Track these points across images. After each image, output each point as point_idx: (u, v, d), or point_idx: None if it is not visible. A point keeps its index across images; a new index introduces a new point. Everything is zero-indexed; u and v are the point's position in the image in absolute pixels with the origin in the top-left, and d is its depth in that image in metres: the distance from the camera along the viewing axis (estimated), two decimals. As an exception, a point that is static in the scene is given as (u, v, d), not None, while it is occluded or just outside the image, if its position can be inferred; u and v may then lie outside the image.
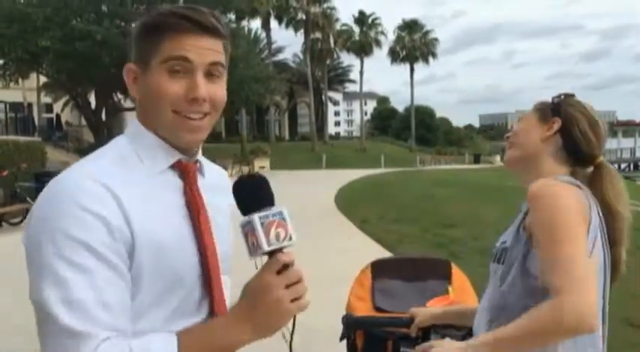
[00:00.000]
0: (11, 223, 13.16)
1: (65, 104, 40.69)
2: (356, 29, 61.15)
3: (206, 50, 1.16)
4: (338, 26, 59.12)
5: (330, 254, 9.27)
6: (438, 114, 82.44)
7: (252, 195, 1.10)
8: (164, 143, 1.20)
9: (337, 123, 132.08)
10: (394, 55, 65.24)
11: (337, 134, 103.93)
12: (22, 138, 24.11)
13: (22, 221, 13.09)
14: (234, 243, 1.33)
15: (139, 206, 1.12)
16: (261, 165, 37.35)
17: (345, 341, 2.25)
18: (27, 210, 12.47)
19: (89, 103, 31.65)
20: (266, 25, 53.56)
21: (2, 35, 24.79)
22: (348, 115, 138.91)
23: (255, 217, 1.05)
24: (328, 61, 62.24)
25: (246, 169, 32.96)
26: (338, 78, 76.56)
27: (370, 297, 2.28)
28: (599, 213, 1.63)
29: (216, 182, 1.32)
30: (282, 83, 44.10)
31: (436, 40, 66.50)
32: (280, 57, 65.00)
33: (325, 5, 56.17)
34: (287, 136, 66.84)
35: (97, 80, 27.20)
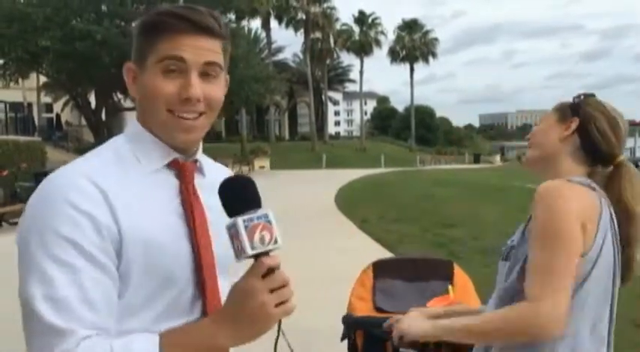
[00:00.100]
0: (11, 223, 13.18)
1: (65, 104, 40.71)
2: (356, 29, 61.22)
3: (202, 50, 1.16)
4: (338, 26, 59.18)
5: (330, 253, 9.28)
6: (438, 114, 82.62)
7: (238, 197, 1.08)
8: (161, 142, 1.20)
9: (337, 123, 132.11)
10: (394, 55, 65.28)
11: (337, 134, 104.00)
12: (22, 138, 24.14)
13: (22, 221, 13.09)
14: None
15: (130, 204, 1.12)
16: (261, 165, 37.37)
17: (345, 342, 2.24)
18: (27, 210, 12.46)
19: (89, 103, 31.68)
20: (266, 25, 53.58)
21: (2, 35, 24.82)
22: (348, 115, 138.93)
23: (239, 220, 1.03)
24: (328, 61, 62.27)
25: (246, 169, 32.97)
26: (338, 78, 76.58)
27: (371, 297, 2.27)
28: (611, 214, 1.63)
29: (219, 181, 1.32)
30: (282, 83, 44.11)
31: (436, 39, 66.58)
32: (280, 57, 65.13)
33: (325, 5, 56.20)
34: (287, 136, 66.88)
35: (97, 80, 27.24)
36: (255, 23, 53.57)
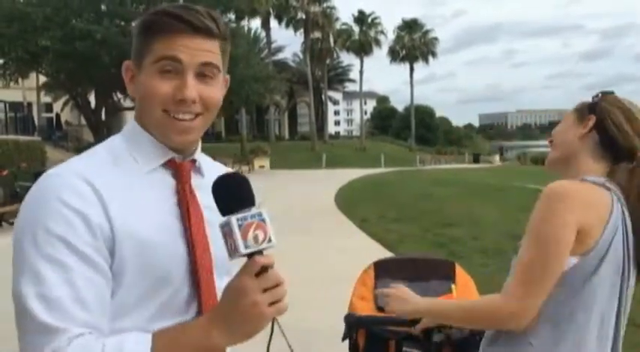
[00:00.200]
0: (11, 223, 13.16)
1: (65, 104, 40.68)
2: (356, 29, 61.21)
3: (198, 51, 1.15)
4: (338, 26, 59.18)
5: (330, 253, 9.28)
6: (438, 113, 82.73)
7: (232, 195, 1.07)
8: (158, 142, 1.20)
9: (337, 123, 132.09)
10: (394, 55, 65.31)
11: (337, 133, 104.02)
12: (21, 138, 24.15)
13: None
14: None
15: (125, 204, 1.12)
16: (261, 165, 37.39)
17: (346, 342, 2.24)
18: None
19: (89, 103, 31.66)
20: (266, 25, 53.55)
21: (2, 35, 24.81)
22: (347, 115, 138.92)
23: (233, 219, 1.02)
24: (328, 61, 62.27)
25: (245, 169, 32.98)
26: (338, 77, 76.57)
27: (372, 297, 2.27)
28: (624, 213, 1.63)
29: None
30: (281, 83, 44.13)
31: (436, 39, 66.59)
32: (280, 56, 65.05)
33: (325, 5, 56.19)
34: (287, 136, 66.87)
35: (96, 80, 27.22)
36: (255, 23, 53.59)
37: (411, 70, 65.18)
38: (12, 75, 28.95)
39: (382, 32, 61.60)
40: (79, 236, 1.06)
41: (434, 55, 66.06)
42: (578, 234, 1.56)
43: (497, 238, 9.41)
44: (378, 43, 61.15)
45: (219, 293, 1.13)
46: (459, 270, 2.35)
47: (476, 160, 54.77)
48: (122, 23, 26.69)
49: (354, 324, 2.19)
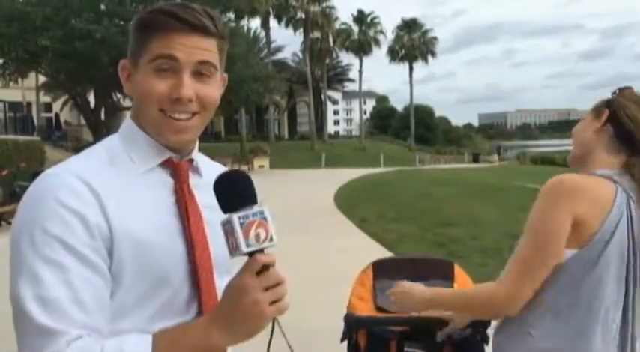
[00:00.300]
0: (10, 223, 13.16)
1: (64, 103, 40.64)
2: (355, 28, 61.23)
3: (194, 49, 1.14)
4: (337, 25, 59.21)
5: (330, 253, 9.27)
6: (438, 113, 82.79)
7: (234, 193, 1.06)
8: (154, 141, 1.19)
9: (336, 122, 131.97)
10: (393, 54, 65.32)
11: (336, 133, 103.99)
12: (21, 138, 24.13)
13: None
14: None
15: (123, 204, 1.11)
16: (261, 164, 37.36)
17: (345, 342, 2.24)
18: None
19: (88, 103, 31.64)
20: (265, 24, 53.53)
21: (2, 34, 24.79)
22: (347, 114, 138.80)
23: (235, 217, 1.02)
24: (327, 60, 62.29)
25: (245, 168, 32.96)
26: (337, 77, 76.56)
27: (372, 297, 2.27)
28: (629, 205, 1.64)
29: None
30: (281, 82, 44.10)
31: (435, 39, 66.62)
32: (279, 56, 65.04)
33: (324, 4, 56.21)
34: (286, 135, 66.86)
35: (96, 79, 27.21)
36: (255, 22, 53.59)
37: (411, 69, 65.21)
38: (12, 75, 28.93)
39: (381, 32, 61.68)
40: (77, 236, 1.06)
41: (433, 54, 66.12)
42: (575, 226, 1.58)
43: (496, 238, 9.40)
44: (377, 42, 61.20)
45: (219, 293, 1.12)
46: (458, 270, 2.36)
47: (475, 160, 54.75)
48: (122, 23, 26.64)
49: (354, 324, 2.19)
